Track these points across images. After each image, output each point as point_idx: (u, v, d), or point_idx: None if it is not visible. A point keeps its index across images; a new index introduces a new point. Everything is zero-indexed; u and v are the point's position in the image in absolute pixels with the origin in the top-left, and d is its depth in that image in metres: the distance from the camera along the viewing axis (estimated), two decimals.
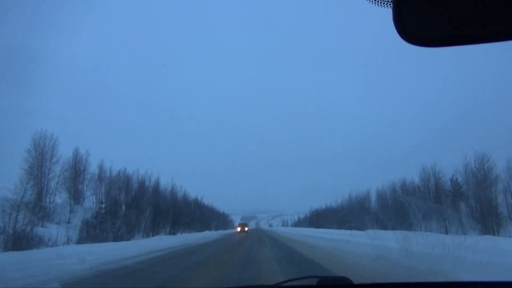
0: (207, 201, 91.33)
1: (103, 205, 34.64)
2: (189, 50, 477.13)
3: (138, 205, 41.78)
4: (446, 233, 27.76)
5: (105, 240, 27.05)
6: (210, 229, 71.86)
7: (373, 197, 57.85)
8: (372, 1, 1.05)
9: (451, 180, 40.54)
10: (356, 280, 2.22)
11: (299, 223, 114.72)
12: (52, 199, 37.40)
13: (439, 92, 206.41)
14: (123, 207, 40.64)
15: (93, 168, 42.62)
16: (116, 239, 28.91)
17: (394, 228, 24.81)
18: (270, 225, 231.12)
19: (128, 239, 33.37)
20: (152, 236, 43.05)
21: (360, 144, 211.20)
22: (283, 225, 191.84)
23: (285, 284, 2.05)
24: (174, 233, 51.37)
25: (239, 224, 68.29)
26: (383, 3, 1.05)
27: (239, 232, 53.98)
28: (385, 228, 27.35)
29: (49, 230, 25.63)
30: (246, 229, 59.21)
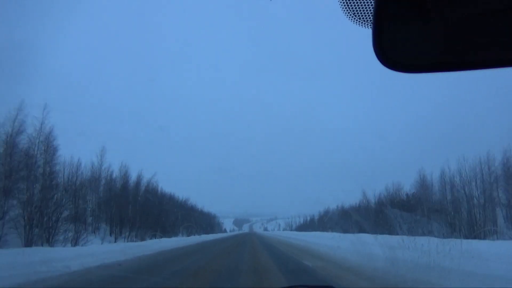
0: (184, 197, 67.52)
1: None
2: (178, 59, 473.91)
3: None
4: None
5: None
6: (176, 234, 47.14)
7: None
8: (352, 20, 1.04)
9: None
10: None
11: (303, 227, 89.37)
12: None
13: (423, 108, 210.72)
14: None
15: None
16: None
17: None
18: (265, 229, 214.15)
19: None
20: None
21: (350, 154, 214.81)
22: (280, 229, 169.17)
23: None
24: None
25: None
26: (364, 24, 1.03)
27: None
28: None
29: None
30: None
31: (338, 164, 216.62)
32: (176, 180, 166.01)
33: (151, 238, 34.22)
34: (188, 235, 55.33)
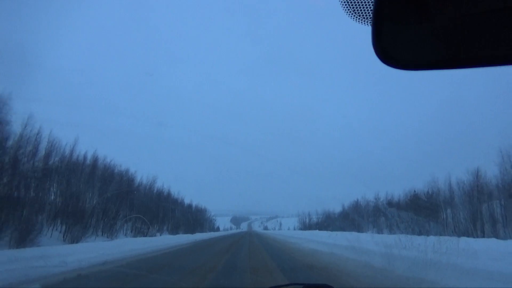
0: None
1: None
2: (177, 57, 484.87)
3: None
4: None
5: None
6: (112, 233, 25.27)
7: None
8: (352, 17, 1.03)
9: None
10: None
11: (321, 226, 67.13)
12: None
13: (423, 108, 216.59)
14: None
15: None
16: None
17: None
18: (265, 228, 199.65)
19: None
20: None
21: (351, 154, 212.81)
22: (282, 228, 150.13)
23: None
24: None
25: None
26: (363, 21, 1.03)
27: None
28: None
29: None
30: None
31: (342, 162, 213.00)
32: (175, 178, 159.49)
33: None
34: (145, 235, 33.45)
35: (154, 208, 39.34)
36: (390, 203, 45.56)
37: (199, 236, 36.16)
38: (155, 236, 35.18)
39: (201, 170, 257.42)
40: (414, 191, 38.71)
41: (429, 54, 0.94)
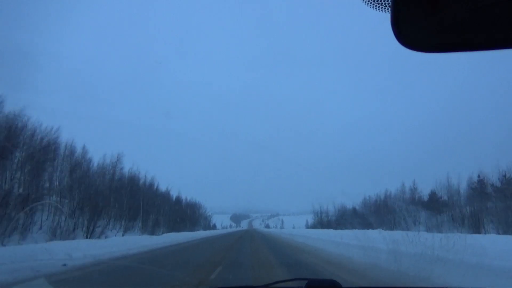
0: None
1: None
2: (185, 51, 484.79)
3: None
4: None
5: None
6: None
7: None
8: (370, 5, 1.04)
9: None
10: None
11: (332, 224, 56.22)
12: None
13: (431, 103, 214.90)
14: None
15: None
16: None
17: None
18: (267, 226, 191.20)
19: None
20: None
21: (351, 151, 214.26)
22: (282, 226, 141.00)
23: (274, 286, 1.99)
24: None
25: None
26: (381, 8, 1.05)
27: None
28: None
29: None
30: None
31: (343, 161, 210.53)
32: (176, 176, 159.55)
33: None
34: (90, 235, 22.69)
35: (116, 199, 28.65)
36: (433, 194, 34.82)
37: (163, 240, 23.47)
38: (114, 237, 24.58)
39: (201, 167, 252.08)
40: (479, 176, 27.95)
41: (448, 35, 0.93)
